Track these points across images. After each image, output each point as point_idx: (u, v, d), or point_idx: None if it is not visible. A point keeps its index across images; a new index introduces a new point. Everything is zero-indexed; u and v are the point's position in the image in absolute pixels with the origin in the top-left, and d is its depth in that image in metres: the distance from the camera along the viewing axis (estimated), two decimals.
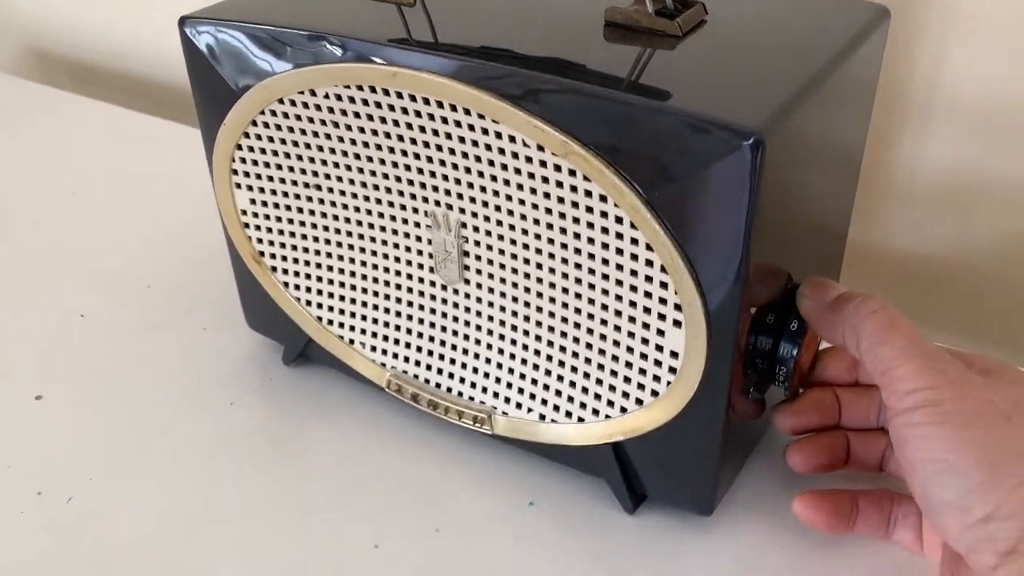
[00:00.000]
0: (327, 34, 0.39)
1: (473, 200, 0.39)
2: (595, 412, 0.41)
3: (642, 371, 0.38)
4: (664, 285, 0.35)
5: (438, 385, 0.46)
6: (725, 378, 0.36)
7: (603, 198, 0.35)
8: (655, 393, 0.38)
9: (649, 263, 0.35)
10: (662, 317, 0.36)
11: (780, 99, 0.33)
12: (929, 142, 0.55)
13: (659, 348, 0.37)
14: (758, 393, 0.39)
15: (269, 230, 0.48)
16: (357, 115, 0.40)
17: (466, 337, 0.44)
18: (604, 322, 0.38)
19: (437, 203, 0.41)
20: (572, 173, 0.35)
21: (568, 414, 0.42)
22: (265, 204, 0.47)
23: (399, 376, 0.47)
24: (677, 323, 0.36)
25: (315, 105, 0.41)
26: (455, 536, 0.42)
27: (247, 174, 0.46)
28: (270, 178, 0.46)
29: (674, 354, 0.37)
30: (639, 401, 0.39)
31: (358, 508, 0.44)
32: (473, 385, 0.45)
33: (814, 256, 0.43)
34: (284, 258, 0.48)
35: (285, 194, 0.46)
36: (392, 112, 0.39)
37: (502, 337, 0.43)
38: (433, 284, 0.44)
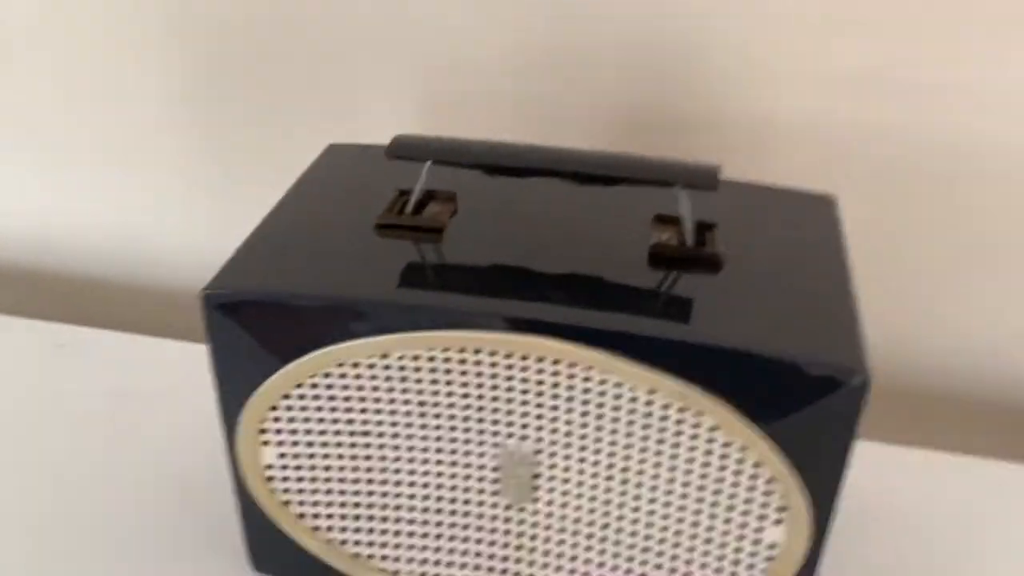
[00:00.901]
0: (419, 305, 0.39)
1: (555, 432, 0.41)
2: None
3: (736, 556, 0.42)
4: (768, 493, 0.40)
5: None
6: (817, 558, 0.41)
7: (713, 427, 0.39)
8: None
9: (754, 476, 0.40)
10: (762, 518, 0.41)
11: (856, 333, 0.38)
12: None
13: (756, 543, 0.42)
14: None
15: (300, 479, 0.45)
16: (432, 370, 0.40)
17: (532, 550, 0.45)
18: (695, 525, 0.42)
19: (510, 436, 0.42)
20: (681, 410, 0.39)
21: None
22: (297, 457, 0.45)
23: None
24: (778, 521, 0.41)
25: (384, 366, 0.41)
26: None
27: (279, 431, 0.44)
28: (307, 431, 0.44)
29: (771, 546, 0.41)
30: None
31: None
32: None
33: None
34: (315, 503, 0.46)
35: (325, 444, 0.44)
36: (476, 367, 0.40)
37: (574, 547, 0.44)
38: (495, 505, 0.45)
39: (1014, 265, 0.62)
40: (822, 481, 0.39)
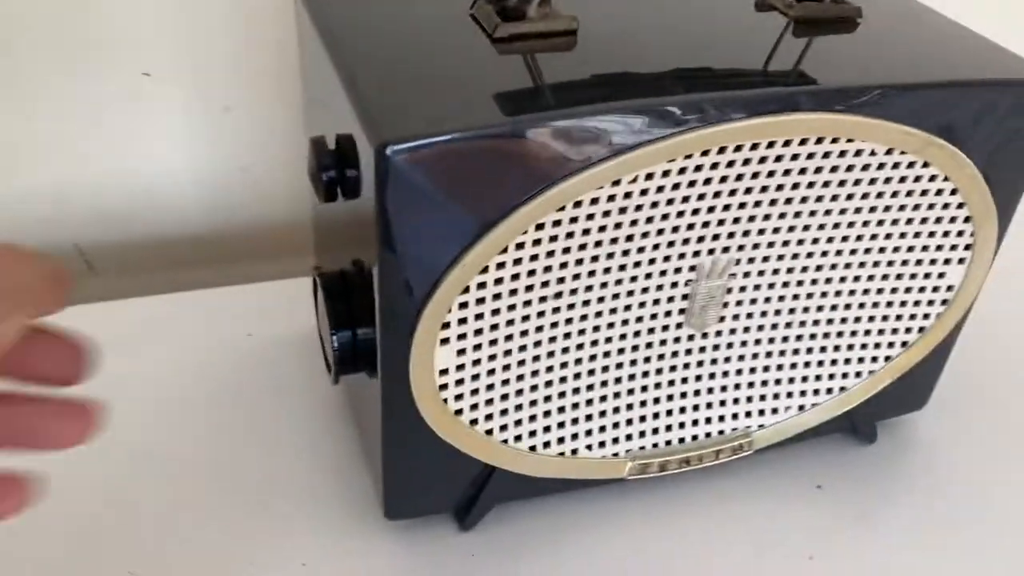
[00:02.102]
0: (667, 105, 0.32)
1: (761, 232, 0.37)
2: (857, 375, 0.44)
3: (914, 310, 0.43)
4: (961, 234, 0.40)
5: (681, 440, 0.43)
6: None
7: (932, 176, 0.38)
8: (921, 330, 0.43)
9: (953, 219, 0.40)
10: (947, 262, 0.41)
11: None
12: None
13: (935, 289, 0.42)
14: None
15: (476, 377, 0.37)
16: (659, 189, 0.34)
17: (713, 376, 0.42)
18: (885, 277, 0.41)
19: (711, 251, 0.37)
20: (898, 165, 0.37)
21: (829, 391, 0.44)
22: (479, 348, 0.36)
23: (639, 455, 0.42)
24: (961, 260, 0.41)
25: (609, 196, 0.33)
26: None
27: (463, 320, 0.34)
28: (495, 312, 0.35)
29: (949, 288, 0.42)
30: (904, 344, 0.44)
31: None
32: (722, 418, 0.43)
33: None
34: (490, 402, 0.38)
35: (511, 323, 0.36)
36: (696, 173, 0.34)
37: (768, 355, 0.42)
38: (678, 340, 0.40)
39: None
40: (1006, 216, 0.41)
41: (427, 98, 0.32)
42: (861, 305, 0.42)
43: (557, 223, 0.33)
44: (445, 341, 0.35)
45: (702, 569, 0.41)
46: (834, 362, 0.43)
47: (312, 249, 0.51)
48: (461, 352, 0.36)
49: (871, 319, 0.43)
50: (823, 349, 0.43)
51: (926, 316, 0.43)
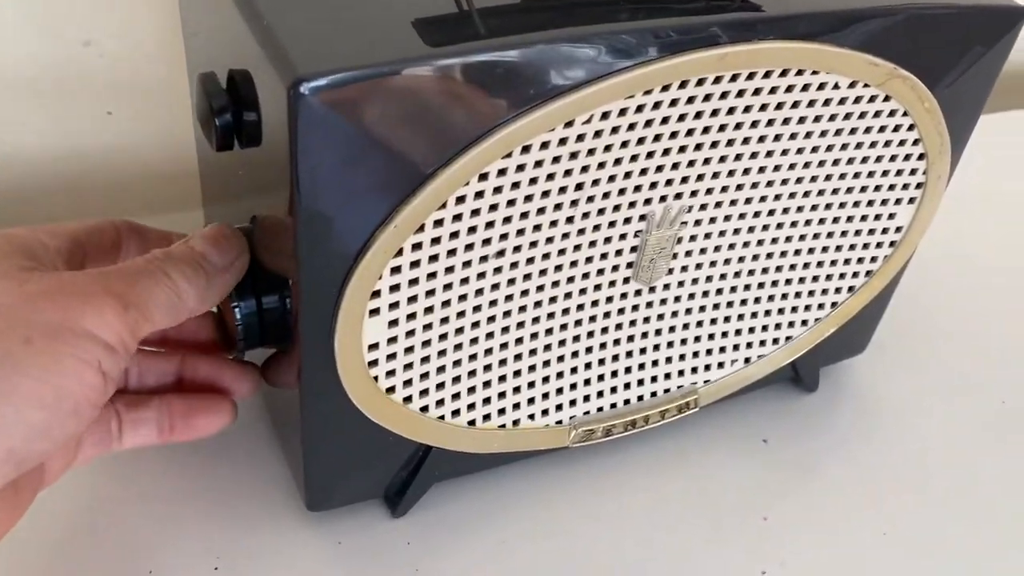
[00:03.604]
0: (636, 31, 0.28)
1: (716, 176, 0.34)
2: (804, 323, 0.42)
3: (863, 253, 0.40)
4: (914, 172, 0.38)
5: (626, 402, 0.40)
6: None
7: (892, 112, 0.35)
8: (868, 273, 0.41)
9: (908, 157, 0.37)
10: (898, 202, 0.39)
11: None
12: None
13: (885, 231, 0.40)
14: None
15: (410, 350, 0.32)
16: (614, 130, 0.30)
17: (659, 332, 0.39)
18: (837, 220, 0.38)
19: (663, 198, 0.34)
20: (859, 99, 0.34)
21: (775, 341, 0.42)
22: (413, 317, 0.31)
23: (583, 421, 0.39)
24: (912, 200, 0.39)
25: (560, 140, 0.29)
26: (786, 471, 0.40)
27: (395, 288, 0.30)
28: (432, 276, 0.30)
29: (898, 229, 0.40)
30: (851, 288, 0.42)
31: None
32: (668, 376, 0.40)
33: None
34: (425, 376, 0.33)
35: (449, 288, 0.31)
36: (654, 111, 0.30)
37: (715, 307, 0.39)
38: (624, 296, 0.37)
39: None
40: (958, 152, 0.39)
41: (348, 26, 0.27)
42: (811, 250, 0.39)
43: (502, 172, 0.29)
44: (375, 312, 0.30)
45: (655, 534, 0.39)
46: (781, 311, 0.41)
47: (200, 204, 0.44)
48: (393, 323, 0.31)
49: (820, 264, 0.40)
50: (771, 298, 0.40)
51: (873, 259, 0.41)
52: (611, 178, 0.32)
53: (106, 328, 0.26)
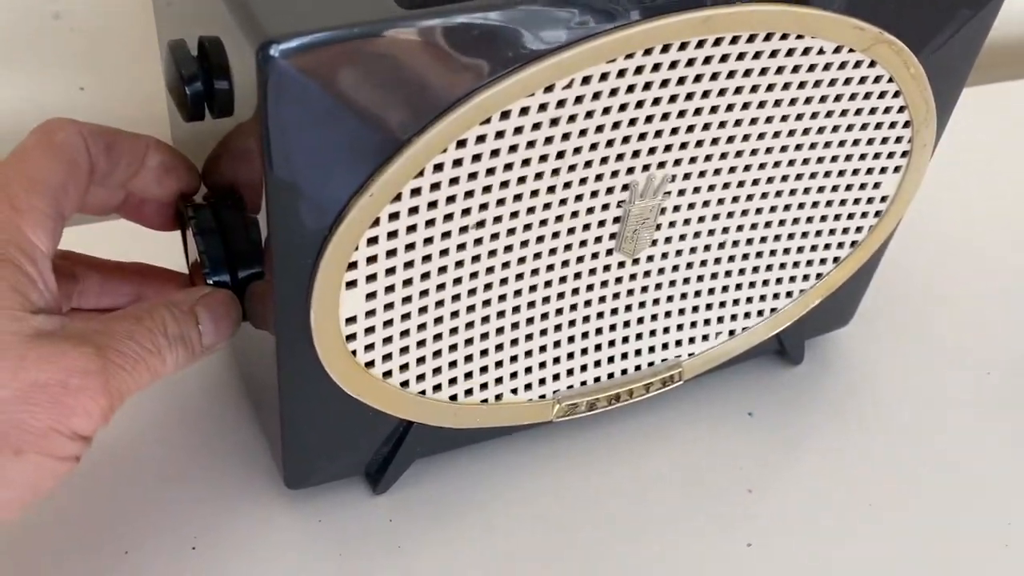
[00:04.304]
0: None
1: (700, 144, 0.33)
2: (788, 294, 0.42)
3: (848, 223, 0.40)
4: (899, 140, 0.38)
5: (610, 375, 0.39)
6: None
7: (877, 78, 0.34)
8: (853, 244, 0.41)
9: (893, 124, 0.37)
10: (883, 171, 0.39)
11: None
12: None
13: (870, 200, 0.40)
14: None
15: (388, 323, 0.31)
16: (595, 96, 0.29)
17: (643, 305, 0.38)
18: (822, 189, 0.38)
19: (646, 167, 0.33)
20: (844, 65, 0.33)
21: (760, 313, 0.41)
22: (391, 290, 0.30)
23: (567, 395, 0.38)
24: (897, 169, 0.39)
25: (540, 105, 0.28)
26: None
27: (373, 259, 0.29)
28: (410, 247, 0.30)
29: (884, 199, 0.40)
30: (836, 259, 0.41)
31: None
32: (652, 349, 0.40)
33: None
34: (405, 350, 0.33)
35: (428, 260, 0.30)
36: (636, 75, 0.30)
37: (699, 279, 0.38)
38: (607, 268, 0.36)
39: None
40: (943, 119, 0.38)
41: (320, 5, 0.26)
42: (796, 220, 0.39)
43: (481, 139, 0.28)
44: (352, 284, 0.29)
45: (640, 507, 0.38)
46: (766, 282, 0.41)
47: None
48: (371, 296, 0.30)
49: (804, 235, 0.40)
50: (755, 269, 0.40)
51: (859, 229, 0.41)
52: (593, 146, 0.31)
53: (90, 424, 0.27)
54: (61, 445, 0.26)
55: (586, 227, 0.34)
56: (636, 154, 0.32)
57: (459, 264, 0.32)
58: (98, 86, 0.52)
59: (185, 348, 0.29)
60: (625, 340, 0.39)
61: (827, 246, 0.41)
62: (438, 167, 0.28)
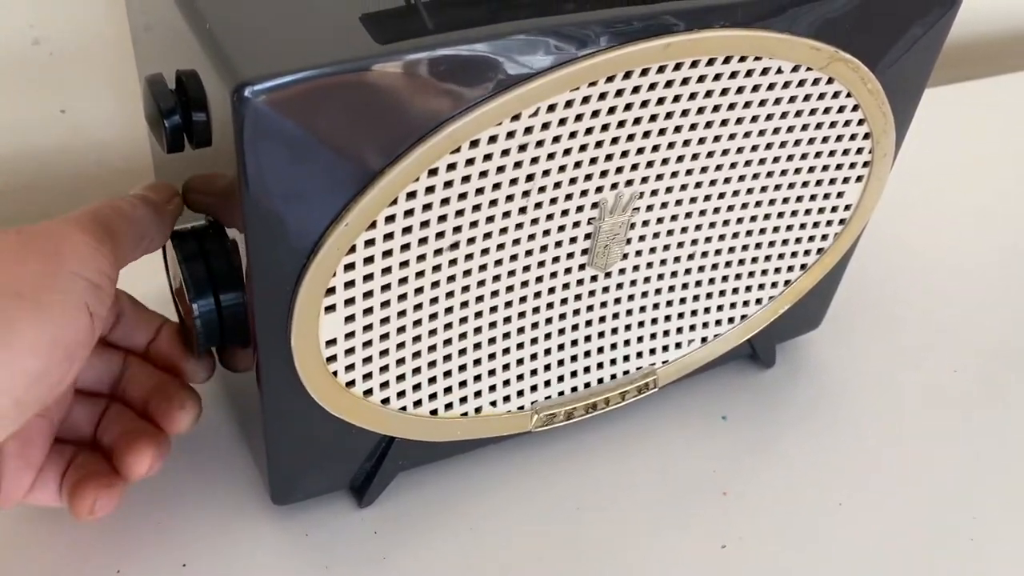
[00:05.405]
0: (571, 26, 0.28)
1: (665, 162, 0.34)
2: (758, 301, 0.43)
3: (813, 232, 0.41)
4: (860, 151, 0.39)
5: (587, 385, 0.40)
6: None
7: (836, 93, 0.36)
8: (820, 251, 0.42)
9: (853, 136, 0.38)
10: (846, 180, 0.40)
11: None
12: None
13: (834, 209, 0.41)
14: None
15: (368, 344, 0.32)
16: (561, 121, 0.30)
17: (616, 316, 0.39)
18: (786, 200, 0.39)
19: (614, 186, 0.34)
20: (803, 83, 0.35)
21: (731, 320, 0.43)
22: (369, 312, 0.31)
23: (545, 406, 0.39)
24: (859, 178, 0.40)
25: (508, 133, 0.29)
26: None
27: (351, 284, 0.30)
28: (386, 271, 0.31)
29: (847, 207, 0.41)
30: (803, 266, 0.42)
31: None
32: (627, 358, 0.41)
33: None
34: (384, 369, 0.34)
35: (404, 282, 0.31)
36: (600, 102, 0.31)
37: (671, 289, 0.40)
38: (581, 283, 0.37)
39: None
40: (902, 130, 0.39)
41: (288, 25, 0.27)
42: (762, 231, 0.40)
43: (452, 167, 0.29)
44: (331, 308, 0.31)
45: (618, 513, 0.40)
46: (735, 291, 0.42)
47: None
48: (350, 319, 0.31)
49: (771, 244, 0.41)
50: (725, 278, 0.41)
51: (824, 237, 0.42)
52: (561, 168, 0.32)
53: (87, 265, 0.28)
54: (62, 288, 0.27)
55: (558, 244, 0.35)
56: (604, 173, 0.34)
57: (435, 284, 0.33)
58: (78, 110, 0.52)
59: (142, 200, 0.32)
60: (600, 351, 0.40)
61: (794, 254, 0.42)
62: (411, 195, 0.29)
